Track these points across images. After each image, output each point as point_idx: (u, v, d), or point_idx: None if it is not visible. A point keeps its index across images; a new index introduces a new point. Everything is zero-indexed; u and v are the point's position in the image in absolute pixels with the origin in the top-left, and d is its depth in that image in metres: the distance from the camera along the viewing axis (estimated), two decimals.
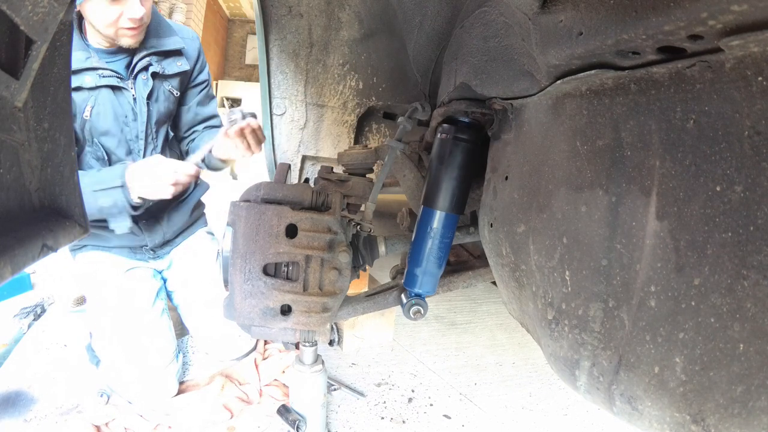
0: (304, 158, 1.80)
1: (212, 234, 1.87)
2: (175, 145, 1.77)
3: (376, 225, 1.04)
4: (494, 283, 0.90)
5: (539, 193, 0.65)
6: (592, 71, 0.52)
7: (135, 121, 1.54)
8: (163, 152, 1.61)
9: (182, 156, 1.78)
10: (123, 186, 1.34)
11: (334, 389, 1.67)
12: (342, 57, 1.61)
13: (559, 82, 0.58)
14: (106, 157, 1.52)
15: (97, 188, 1.33)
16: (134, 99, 1.53)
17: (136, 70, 1.52)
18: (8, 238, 0.36)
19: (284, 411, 1.19)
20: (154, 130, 1.60)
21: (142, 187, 1.35)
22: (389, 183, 1.48)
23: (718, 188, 0.42)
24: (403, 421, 1.56)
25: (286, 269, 0.91)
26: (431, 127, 0.99)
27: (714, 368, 0.44)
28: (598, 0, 0.47)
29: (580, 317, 0.57)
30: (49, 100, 0.42)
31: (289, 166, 1.01)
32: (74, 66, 1.34)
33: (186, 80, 1.70)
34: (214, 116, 1.82)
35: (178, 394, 1.58)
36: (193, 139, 1.76)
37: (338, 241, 0.92)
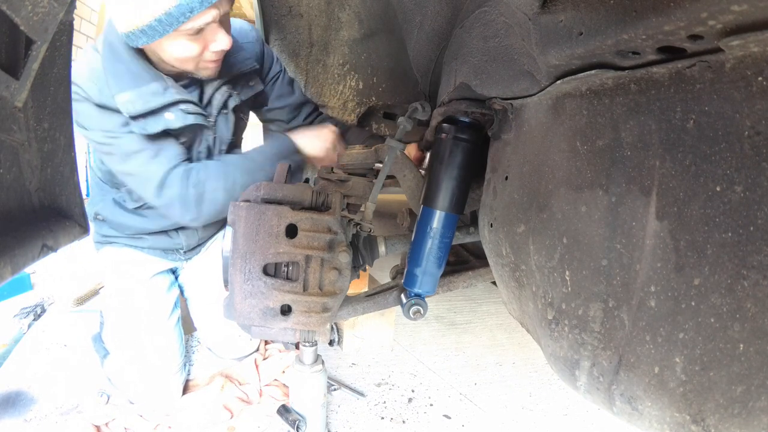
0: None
1: None
2: None
3: (376, 225, 1.04)
4: (494, 283, 0.90)
5: (539, 193, 0.65)
6: (592, 71, 0.52)
7: (209, 157, 1.38)
8: None
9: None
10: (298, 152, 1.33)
11: (334, 389, 1.67)
12: (342, 57, 1.61)
13: (559, 82, 0.58)
14: (137, 202, 1.41)
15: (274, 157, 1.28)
16: (214, 140, 1.36)
17: (215, 104, 1.32)
18: (8, 238, 0.36)
19: (284, 411, 1.19)
20: None
21: (312, 149, 1.34)
22: (389, 183, 1.48)
23: (718, 188, 0.42)
24: (403, 421, 1.55)
25: (286, 269, 0.91)
26: (431, 127, 0.99)
27: (714, 368, 0.44)
28: (598, 0, 0.47)
29: (580, 317, 0.57)
30: (49, 100, 0.42)
31: (290, 166, 1.01)
32: (152, 102, 1.17)
33: (256, 97, 1.51)
34: (306, 102, 1.60)
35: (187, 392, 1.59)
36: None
37: (338, 241, 0.92)
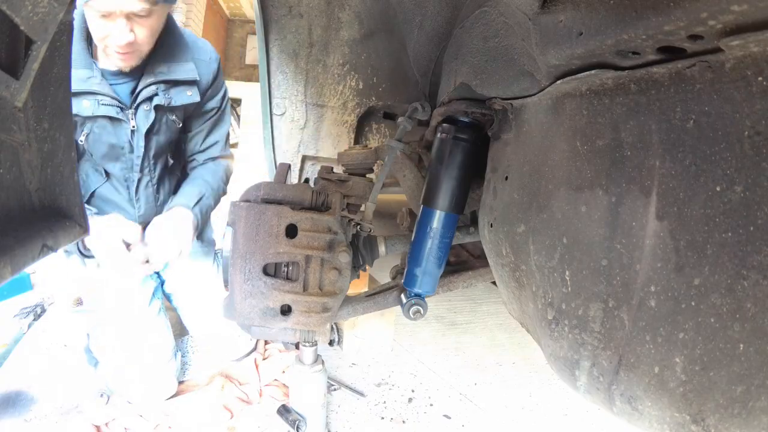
0: (304, 158, 1.79)
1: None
2: (177, 170, 1.70)
3: (376, 225, 1.04)
4: (494, 283, 0.90)
5: (539, 193, 0.65)
6: (592, 71, 0.52)
7: (131, 153, 1.46)
8: (160, 181, 1.56)
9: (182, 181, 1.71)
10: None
11: (334, 389, 1.67)
12: (342, 57, 1.61)
13: (559, 82, 0.58)
14: (104, 175, 1.47)
15: None
16: (132, 132, 1.41)
17: (138, 99, 1.38)
18: (8, 238, 0.36)
19: (284, 411, 1.19)
20: (151, 162, 1.51)
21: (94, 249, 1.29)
22: (389, 183, 1.48)
23: (718, 188, 0.42)
24: (403, 421, 1.55)
25: (286, 269, 0.91)
26: (431, 127, 0.99)
27: (714, 368, 0.44)
28: (598, 0, 0.47)
29: (580, 317, 0.57)
30: (49, 100, 0.42)
31: (289, 166, 1.01)
32: (74, 86, 1.22)
33: (193, 108, 1.57)
34: (216, 143, 1.69)
35: (178, 394, 1.58)
36: (193, 168, 1.66)
37: (338, 241, 0.92)
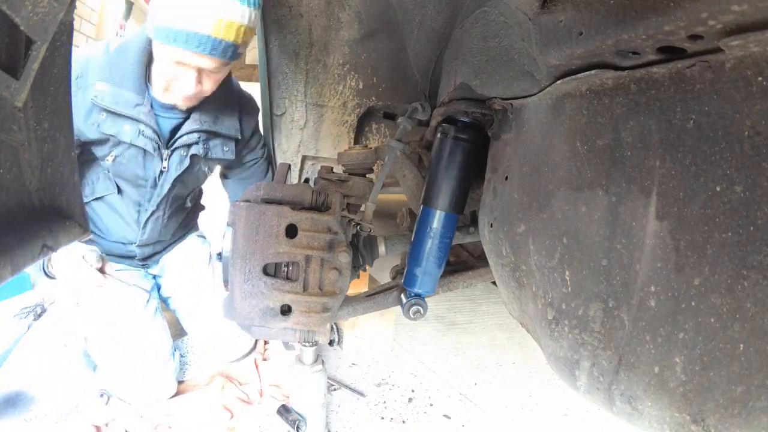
0: (304, 158, 1.79)
1: (203, 237, 1.85)
2: (191, 210, 1.69)
3: (376, 225, 1.04)
4: (494, 283, 0.90)
5: (539, 193, 0.65)
6: (592, 71, 0.52)
7: (153, 188, 1.44)
8: (171, 218, 1.55)
9: (188, 220, 1.72)
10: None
11: (334, 389, 1.67)
12: (342, 57, 1.61)
13: (559, 82, 0.58)
14: (117, 189, 1.44)
15: None
16: (161, 172, 1.39)
17: (177, 144, 1.36)
18: (8, 238, 0.36)
19: (284, 411, 1.19)
20: (168, 203, 1.49)
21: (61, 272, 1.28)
22: (389, 183, 1.48)
23: (718, 188, 0.42)
24: (403, 421, 1.55)
25: (286, 269, 0.91)
26: (431, 127, 0.99)
27: (714, 368, 0.44)
28: (598, 0, 0.47)
29: (580, 317, 0.57)
30: (49, 100, 0.42)
31: (289, 166, 1.01)
32: (120, 108, 1.26)
33: (229, 162, 1.57)
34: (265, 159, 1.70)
35: (178, 394, 1.58)
36: None
37: (338, 241, 0.92)
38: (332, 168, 1.06)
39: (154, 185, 1.43)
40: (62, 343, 1.84)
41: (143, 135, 1.30)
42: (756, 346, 0.41)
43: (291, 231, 0.89)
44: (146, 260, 1.67)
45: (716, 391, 0.44)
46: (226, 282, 0.93)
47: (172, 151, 1.37)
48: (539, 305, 0.66)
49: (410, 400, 1.67)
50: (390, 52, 1.61)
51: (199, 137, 1.39)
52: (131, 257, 1.63)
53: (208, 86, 1.27)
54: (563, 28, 0.52)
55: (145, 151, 1.34)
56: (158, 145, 1.34)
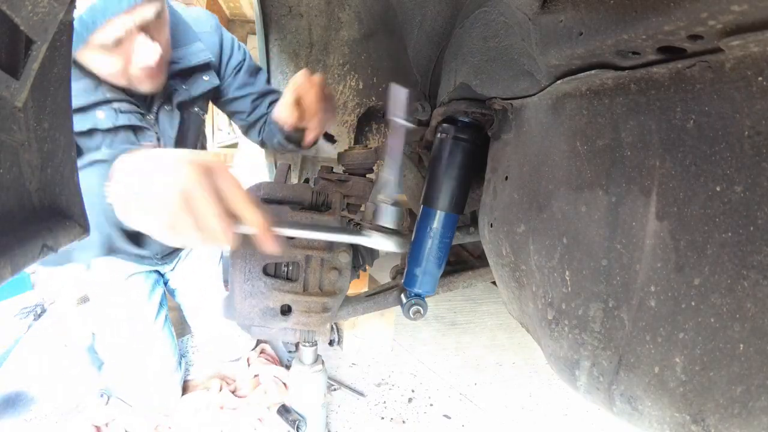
0: (304, 158, 1.80)
1: None
2: None
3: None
4: (494, 283, 0.90)
5: (539, 193, 0.65)
6: (592, 71, 0.52)
7: None
8: None
9: None
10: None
11: (334, 389, 1.67)
12: (342, 57, 1.62)
13: (559, 82, 0.58)
14: None
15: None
16: (158, 139, 1.21)
17: (156, 100, 1.18)
18: (8, 238, 0.36)
19: (284, 411, 1.19)
20: None
21: (132, 206, 0.63)
22: None
23: (718, 188, 0.42)
24: (403, 421, 1.55)
25: (286, 269, 0.91)
26: (431, 127, 0.99)
27: (714, 368, 0.44)
28: (598, 0, 0.47)
29: (580, 317, 0.57)
30: (49, 100, 0.42)
31: (290, 166, 1.01)
32: (82, 100, 1.04)
33: (214, 90, 1.36)
34: (270, 91, 1.42)
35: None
36: (264, 126, 1.36)
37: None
38: (332, 168, 1.06)
39: None
40: (62, 343, 1.84)
41: (121, 112, 1.11)
42: (756, 346, 0.41)
43: None
44: (165, 257, 1.61)
45: (716, 391, 0.44)
46: (226, 282, 0.93)
47: (158, 112, 1.20)
48: (539, 305, 0.66)
49: (410, 400, 1.67)
50: (390, 52, 1.61)
51: (174, 83, 1.20)
52: (148, 257, 1.55)
53: (164, 41, 1.05)
54: (563, 28, 0.52)
55: (134, 128, 1.15)
56: (142, 114, 1.16)
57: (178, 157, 0.59)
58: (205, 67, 1.28)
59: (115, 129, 1.13)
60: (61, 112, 0.45)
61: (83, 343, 1.71)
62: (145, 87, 1.11)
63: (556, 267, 0.61)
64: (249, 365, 1.72)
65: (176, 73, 1.22)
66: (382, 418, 1.56)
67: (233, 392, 1.60)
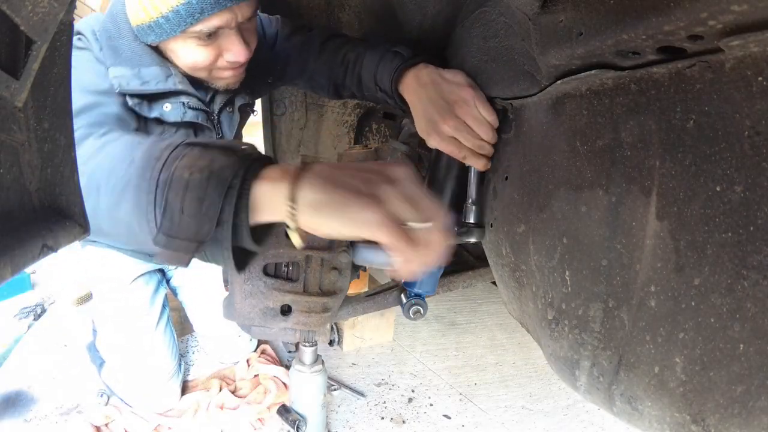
0: (304, 158, 1.79)
1: None
2: None
3: None
4: (494, 283, 0.90)
5: (539, 193, 0.65)
6: (592, 71, 0.52)
7: None
8: None
9: None
10: (238, 187, 0.57)
11: (334, 389, 1.67)
12: None
13: (559, 82, 0.58)
14: None
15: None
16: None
17: (219, 102, 1.16)
18: (8, 238, 0.36)
19: (284, 411, 1.19)
20: None
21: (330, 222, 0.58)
22: None
23: (718, 188, 0.42)
24: (403, 421, 1.55)
25: (286, 269, 0.91)
26: None
27: (714, 368, 0.44)
28: (598, 0, 0.47)
29: (580, 317, 0.57)
30: (49, 100, 0.42)
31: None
32: (152, 86, 1.02)
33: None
34: (310, 29, 1.29)
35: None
36: (346, 74, 1.19)
37: (338, 241, 0.92)
38: None
39: None
40: (62, 343, 1.84)
41: (189, 107, 1.09)
42: (756, 346, 0.41)
43: None
44: None
45: (716, 391, 0.44)
46: (226, 282, 0.93)
47: (220, 114, 1.18)
48: (539, 305, 0.66)
49: (410, 400, 1.67)
50: None
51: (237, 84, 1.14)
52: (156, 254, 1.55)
53: (253, 42, 1.05)
54: (563, 28, 0.52)
55: (195, 125, 1.13)
56: (207, 114, 1.14)
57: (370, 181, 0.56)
58: (268, 70, 1.25)
59: (178, 125, 1.11)
60: (61, 112, 0.45)
61: (83, 341, 1.70)
62: (222, 83, 1.10)
63: (556, 267, 0.61)
64: (249, 366, 1.72)
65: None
66: (382, 418, 1.56)
67: (233, 392, 1.60)
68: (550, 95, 0.63)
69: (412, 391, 1.73)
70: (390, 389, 1.72)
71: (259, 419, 1.49)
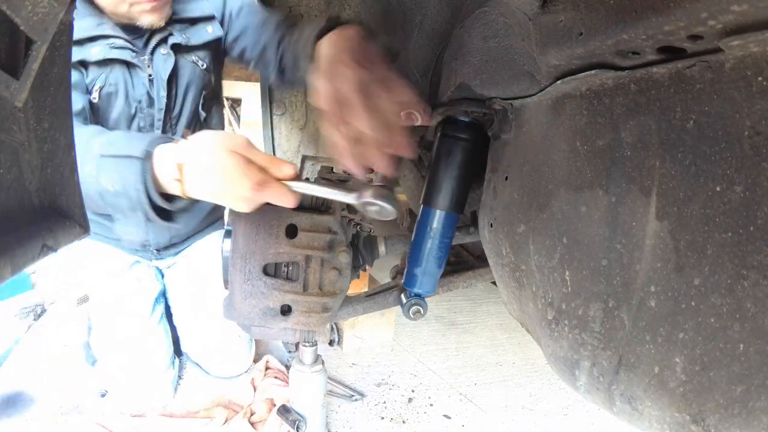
0: (304, 158, 1.79)
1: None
2: (212, 126, 1.46)
3: (376, 225, 1.04)
4: (494, 283, 0.90)
5: (539, 193, 0.65)
6: (592, 71, 0.52)
7: (151, 107, 1.27)
8: None
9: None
10: (144, 159, 0.73)
11: (334, 391, 1.67)
12: None
13: (559, 82, 0.58)
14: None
15: (105, 153, 0.75)
16: (150, 80, 1.25)
17: (152, 42, 1.22)
18: (8, 238, 0.36)
19: (284, 411, 1.19)
20: (176, 116, 1.32)
21: (199, 178, 0.73)
22: None
23: (718, 188, 0.42)
24: (403, 421, 1.56)
25: (286, 269, 0.91)
26: (431, 127, 0.98)
27: (714, 368, 0.44)
28: (598, 0, 0.47)
29: (580, 317, 0.57)
30: (49, 100, 0.42)
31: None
32: (81, 34, 1.11)
33: (219, 43, 1.34)
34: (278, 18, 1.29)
35: (177, 415, 1.51)
36: (282, 57, 1.20)
37: (338, 241, 0.92)
38: (332, 168, 1.06)
39: (150, 103, 1.26)
40: (62, 343, 1.84)
41: (114, 47, 1.16)
42: (756, 346, 0.41)
43: (291, 231, 0.89)
44: (161, 251, 1.57)
45: (716, 391, 0.44)
46: (226, 282, 0.93)
47: (153, 53, 1.23)
48: (539, 305, 0.66)
49: (410, 400, 1.67)
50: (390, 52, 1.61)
51: (171, 28, 1.24)
52: (145, 247, 1.53)
53: None
54: (563, 28, 0.52)
55: (126, 64, 1.19)
56: (135, 52, 1.20)
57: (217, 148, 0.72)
58: (208, 19, 1.30)
59: (108, 63, 1.17)
60: (61, 112, 0.45)
61: (79, 340, 1.70)
62: (145, 20, 1.16)
63: (556, 267, 0.61)
64: (255, 388, 1.60)
65: (176, 21, 1.25)
66: (382, 418, 1.56)
67: (250, 421, 1.44)
68: (550, 95, 0.63)
69: (412, 391, 1.73)
70: (390, 389, 1.72)
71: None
